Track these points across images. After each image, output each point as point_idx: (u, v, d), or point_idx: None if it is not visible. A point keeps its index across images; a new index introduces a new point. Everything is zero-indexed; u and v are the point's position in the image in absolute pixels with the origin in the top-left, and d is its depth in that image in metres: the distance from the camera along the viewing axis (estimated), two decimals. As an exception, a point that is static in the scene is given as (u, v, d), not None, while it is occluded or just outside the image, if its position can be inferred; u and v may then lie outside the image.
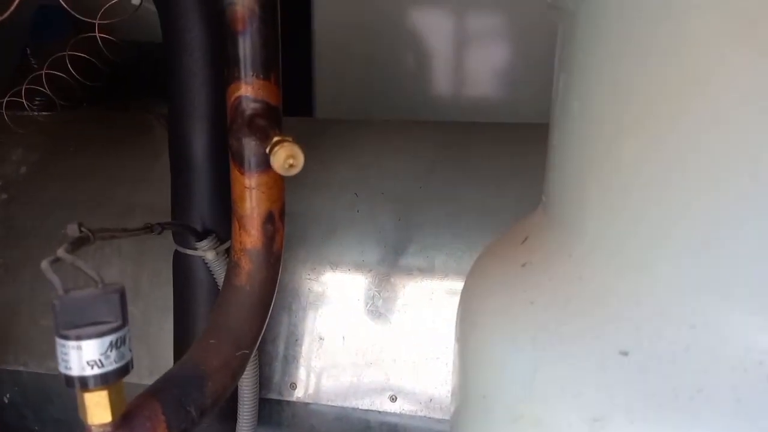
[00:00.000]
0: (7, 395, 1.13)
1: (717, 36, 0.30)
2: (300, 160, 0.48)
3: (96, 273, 0.44)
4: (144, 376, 1.08)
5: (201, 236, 0.86)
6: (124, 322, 0.45)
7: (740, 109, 0.30)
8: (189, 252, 0.87)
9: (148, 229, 0.70)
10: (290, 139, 0.50)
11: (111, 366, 0.44)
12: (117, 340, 0.44)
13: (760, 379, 0.28)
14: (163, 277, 1.04)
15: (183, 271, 0.90)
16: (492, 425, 0.37)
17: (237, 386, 0.93)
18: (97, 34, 0.89)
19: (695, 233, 0.33)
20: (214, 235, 0.87)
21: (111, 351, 0.44)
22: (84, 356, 0.43)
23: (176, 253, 0.90)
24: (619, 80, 0.37)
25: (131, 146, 1.23)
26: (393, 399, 1.04)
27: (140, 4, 0.84)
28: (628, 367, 0.31)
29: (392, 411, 1.05)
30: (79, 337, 0.43)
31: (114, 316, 0.44)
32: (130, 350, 0.46)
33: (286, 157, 0.48)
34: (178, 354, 0.94)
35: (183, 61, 0.83)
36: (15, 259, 1.12)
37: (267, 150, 0.49)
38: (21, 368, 1.11)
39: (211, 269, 0.88)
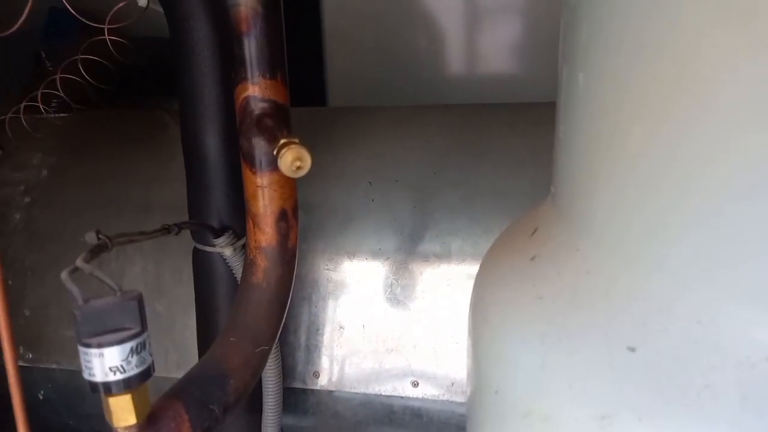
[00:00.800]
0: (42, 392, 1.17)
1: (711, 27, 0.30)
2: (307, 161, 0.49)
3: (114, 282, 0.45)
4: (172, 370, 1.11)
5: (218, 233, 0.88)
6: (143, 327, 0.46)
7: (740, 104, 0.30)
8: (207, 249, 0.89)
9: (165, 230, 0.72)
10: (297, 140, 0.51)
11: (133, 371, 0.45)
12: (137, 345, 0.45)
13: (766, 375, 0.28)
14: (185, 274, 1.06)
15: (203, 267, 0.91)
16: (504, 421, 0.38)
17: (261, 378, 0.95)
18: (107, 37, 0.90)
19: (703, 228, 0.33)
20: (231, 231, 0.88)
21: (132, 356, 0.45)
22: (106, 363, 0.44)
23: (195, 250, 0.92)
24: (619, 73, 0.37)
25: (147, 145, 1.24)
26: (415, 384, 1.06)
27: (147, 6, 0.84)
28: (636, 364, 0.31)
29: (414, 396, 1.06)
30: (100, 345, 0.44)
31: (133, 322, 0.46)
32: (151, 354, 0.47)
33: (293, 160, 0.48)
34: (202, 348, 0.97)
35: (192, 61, 0.84)
36: (40, 263, 1.15)
37: (274, 152, 0.50)
38: (54, 366, 1.15)
39: (229, 264, 0.89)
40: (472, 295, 0.51)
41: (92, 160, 1.23)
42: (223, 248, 0.88)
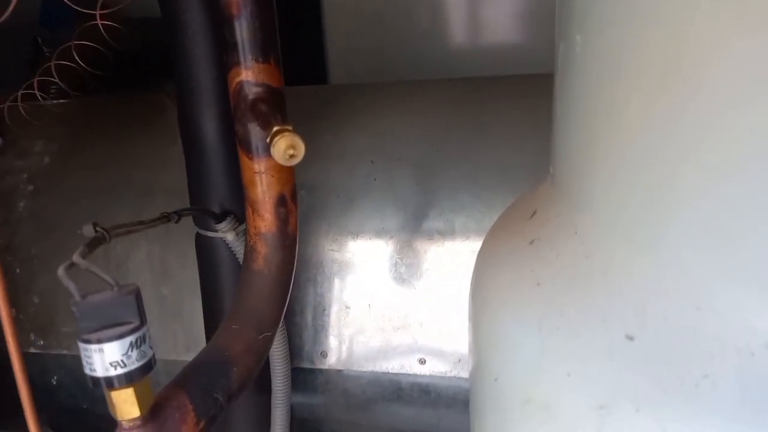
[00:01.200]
0: (55, 377, 1.18)
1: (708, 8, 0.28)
2: (301, 149, 0.48)
3: (110, 277, 0.45)
4: (182, 353, 1.12)
5: (220, 218, 0.87)
6: (143, 321, 0.46)
7: (735, 78, 0.29)
8: (210, 234, 0.89)
9: (165, 218, 0.71)
10: (290, 127, 0.50)
11: (133, 365, 0.45)
12: (137, 339, 0.46)
13: (766, 364, 0.27)
14: (190, 258, 1.06)
15: (206, 252, 0.92)
16: (504, 408, 0.38)
17: (269, 359, 0.95)
18: (98, 22, 0.88)
19: (699, 206, 0.32)
20: (232, 215, 0.88)
21: (132, 351, 0.45)
22: (107, 358, 0.45)
23: (198, 236, 0.92)
24: (615, 45, 0.36)
25: (148, 129, 1.23)
26: (422, 361, 1.06)
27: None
28: (634, 353, 0.30)
29: (422, 373, 1.07)
30: (100, 340, 0.44)
31: (132, 316, 0.46)
32: (151, 347, 0.48)
33: (287, 148, 0.47)
34: (209, 331, 0.97)
35: (185, 44, 0.83)
36: (47, 251, 1.16)
37: (267, 140, 0.49)
38: (65, 351, 1.16)
39: (232, 249, 0.89)
40: (472, 279, 0.51)
41: (92, 146, 1.23)
42: (225, 233, 0.87)
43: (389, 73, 1.87)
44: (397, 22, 1.89)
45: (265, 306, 0.65)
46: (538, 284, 0.39)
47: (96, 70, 1.21)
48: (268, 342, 0.65)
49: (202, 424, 0.52)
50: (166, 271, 1.11)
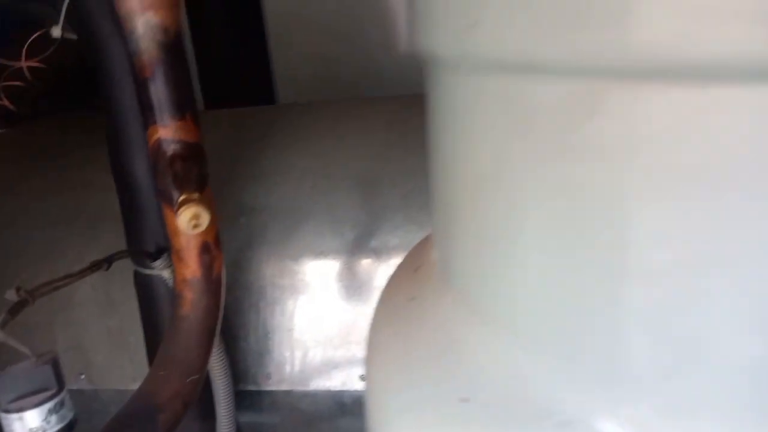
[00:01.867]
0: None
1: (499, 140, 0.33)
2: (204, 219, 0.52)
3: (27, 348, 0.49)
4: (129, 382, 1.15)
5: (155, 256, 0.91)
6: (60, 387, 0.50)
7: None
8: (146, 272, 0.92)
9: (96, 266, 0.74)
10: (196, 197, 0.54)
11: (53, 429, 0.49)
12: (55, 405, 0.49)
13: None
14: (133, 289, 1.09)
15: (144, 289, 0.95)
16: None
17: (212, 384, 0.99)
18: (23, 64, 0.90)
19: (519, 289, 0.38)
20: (167, 253, 0.91)
21: (51, 416, 0.49)
22: (27, 425, 0.48)
23: (136, 273, 0.95)
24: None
25: (95, 154, 1.25)
26: (363, 378, 1.11)
27: (61, 37, 0.85)
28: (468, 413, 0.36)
29: (363, 388, 1.12)
30: (20, 409, 0.48)
31: (50, 383, 0.49)
32: (71, 410, 0.51)
33: (190, 219, 0.51)
34: (152, 363, 1.00)
35: (112, 93, 0.85)
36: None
37: (174, 210, 0.53)
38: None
39: (169, 285, 0.93)
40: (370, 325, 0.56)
41: (42, 171, 1.24)
42: (161, 270, 0.91)
43: (339, 88, 1.88)
44: (346, 34, 1.91)
45: (192, 351, 0.69)
46: (405, 342, 0.44)
47: (44, 91, 1.21)
48: (196, 385, 0.69)
49: (127, 472, 0.56)
50: (110, 302, 1.14)
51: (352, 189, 1.15)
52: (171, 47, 0.66)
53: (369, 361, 0.48)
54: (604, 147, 0.32)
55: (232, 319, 1.10)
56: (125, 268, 1.12)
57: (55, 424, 0.49)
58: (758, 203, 0.29)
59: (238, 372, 1.11)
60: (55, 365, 0.50)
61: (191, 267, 0.71)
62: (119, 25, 0.69)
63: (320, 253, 1.13)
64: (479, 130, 0.38)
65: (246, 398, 1.13)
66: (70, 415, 0.51)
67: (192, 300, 0.71)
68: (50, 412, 0.49)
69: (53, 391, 0.49)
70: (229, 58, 1.92)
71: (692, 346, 0.32)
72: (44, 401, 0.49)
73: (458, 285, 0.44)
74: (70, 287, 1.15)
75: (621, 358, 0.34)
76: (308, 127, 1.27)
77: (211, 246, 0.73)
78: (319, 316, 1.12)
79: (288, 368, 1.14)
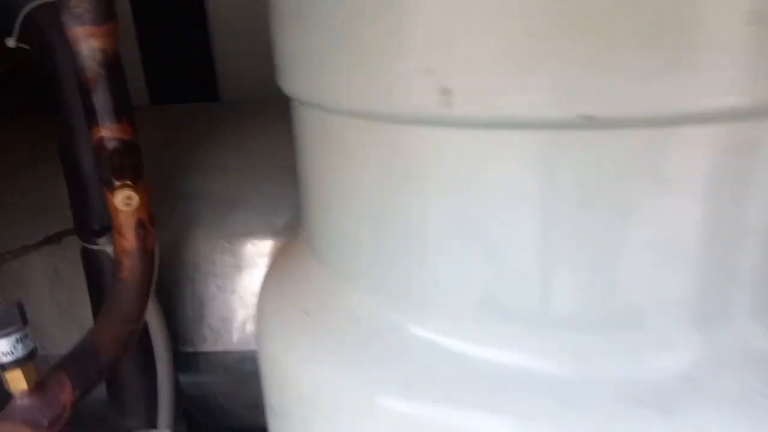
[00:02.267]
0: None
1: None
2: (135, 199, 0.71)
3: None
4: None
5: (100, 234, 1.07)
6: (24, 324, 0.67)
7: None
8: (92, 247, 1.09)
9: (47, 240, 0.91)
10: (130, 183, 0.72)
11: (20, 353, 0.67)
12: (21, 336, 0.67)
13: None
14: (81, 265, 1.25)
15: (90, 263, 1.11)
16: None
17: (153, 346, 1.16)
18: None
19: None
20: (110, 232, 1.08)
21: (18, 344, 0.66)
22: (0, 350, 0.66)
23: (83, 248, 1.11)
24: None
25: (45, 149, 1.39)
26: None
27: (15, 46, 1.00)
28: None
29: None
30: (-6, 339, 0.65)
31: (16, 321, 0.67)
32: (33, 342, 0.69)
33: (123, 200, 0.70)
34: (99, 327, 1.17)
35: (62, 96, 1.01)
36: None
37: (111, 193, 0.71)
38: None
39: (111, 257, 1.09)
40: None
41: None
42: (105, 246, 1.08)
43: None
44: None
45: (130, 305, 0.87)
46: (280, 285, 0.64)
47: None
48: (134, 332, 0.87)
49: (77, 392, 0.74)
50: (60, 278, 1.29)
51: (281, 180, 1.34)
52: (110, 65, 0.83)
53: (260, 295, 0.67)
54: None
55: (171, 289, 1.28)
56: (73, 246, 1.27)
57: (21, 350, 0.67)
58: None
59: (177, 336, 1.29)
60: (20, 307, 0.67)
61: (129, 239, 0.89)
62: (67, 43, 0.86)
63: (249, 234, 1.31)
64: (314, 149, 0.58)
65: (184, 359, 1.31)
66: (31, 345, 0.68)
67: (130, 267, 0.89)
68: (17, 341, 0.66)
69: (18, 326, 0.66)
70: (173, 54, 2.05)
71: (455, 277, 0.53)
72: (12, 333, 0.66)
73: (313, 246, 0.64)
74: (21, 262, 1.31)
75: (415, 283, 0.55)
76: (245, 124, 1.45)
77: (146, 223, 0.90)
78: (248, 287, 1.30)
79: (222, 332, 1.32)
